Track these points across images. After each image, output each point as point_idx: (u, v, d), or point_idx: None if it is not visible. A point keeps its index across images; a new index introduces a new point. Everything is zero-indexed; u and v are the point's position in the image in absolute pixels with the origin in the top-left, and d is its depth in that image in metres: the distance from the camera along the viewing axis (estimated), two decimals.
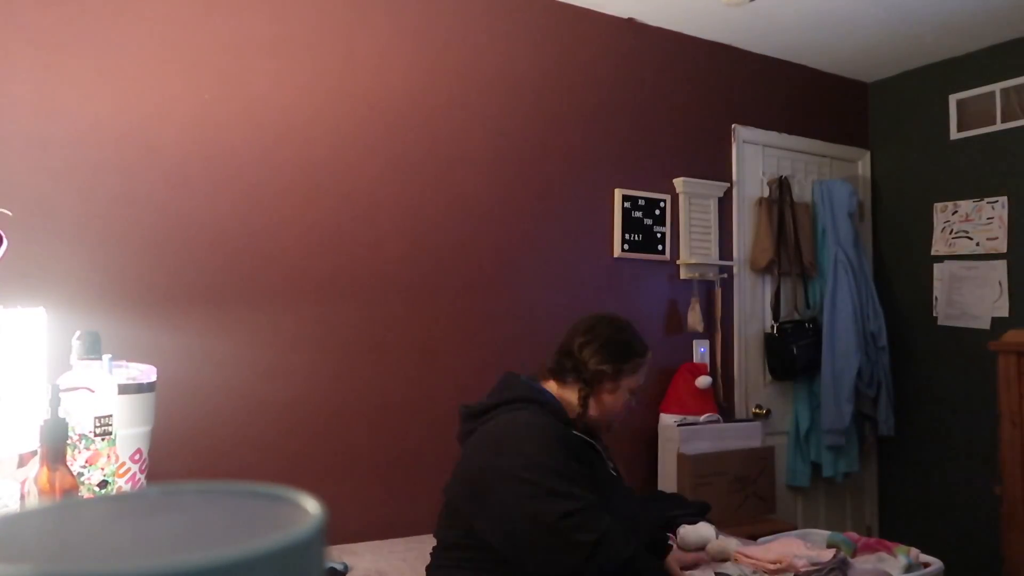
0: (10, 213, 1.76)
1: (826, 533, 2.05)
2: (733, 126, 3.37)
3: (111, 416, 1.42)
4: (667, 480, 2.91)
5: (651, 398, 3.05)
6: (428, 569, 1.68)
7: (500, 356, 2.61)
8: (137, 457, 1.51)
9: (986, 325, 3.31)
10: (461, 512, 1.60)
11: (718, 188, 3.27)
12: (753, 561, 1.79)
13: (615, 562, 1.45)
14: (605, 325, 1.77)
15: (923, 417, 3.57)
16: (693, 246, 3.17)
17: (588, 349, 1.72)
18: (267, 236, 2.32)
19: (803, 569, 1.73)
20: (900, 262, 3.71)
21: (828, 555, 1.76)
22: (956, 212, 3.48)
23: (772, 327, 3.37)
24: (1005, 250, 3.29)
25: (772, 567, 1.76)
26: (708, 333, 3.21)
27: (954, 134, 3.50)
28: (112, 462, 1.42)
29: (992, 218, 3.34)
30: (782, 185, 3.45)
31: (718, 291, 3.23)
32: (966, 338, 3.39)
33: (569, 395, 1.73)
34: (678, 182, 3.15)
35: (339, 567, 1.97)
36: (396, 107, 2.55)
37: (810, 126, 3.63)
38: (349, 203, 2.45)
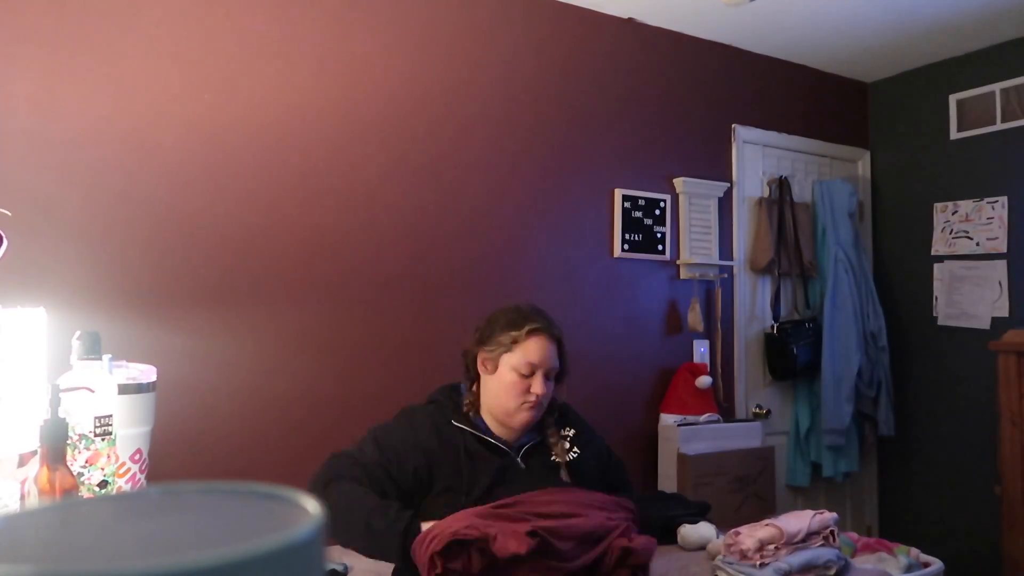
0: (9, 213, 1.76)
1: None
2: (733, 126, 3.37)
3: (111, 416, 1.42)
4: (667, 480, 2.91)
5: (651, 398, 3.05)
6: None
7: None
8: (137, 457, 1.51)
9: (986, 325, 3.31)
10: None
11: (718, 188, 3.27)
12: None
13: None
14: (498, 311, 1.69)
15: (923, 417, 3.57)
16: (693, 246, 3.17)
17: (471, 335, 1.70)
18: (268, 237, 2.32)
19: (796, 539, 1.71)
20: (900, 262, 3.71)
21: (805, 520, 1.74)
22: (956, 212, 3.48)
23: (772, 327, 3.37)
24: (1005, 250, 3.29)
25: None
26: (708, 333, 3.21)
27: (954, 134, 3.50)
28: (112, 462, 1.42)
29: (992, 218, 3.34)
30: (782, 185, 3.45)
31: (718, 291, 3.23)
32: (966, 338, 3.39)
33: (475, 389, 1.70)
34: (678, 182, 3.15)
35: (339, 567, 1.97)
36: (397, 107, 2.55)
37: (810, 126, 3.63)
38: (350, 204, 2.45)
